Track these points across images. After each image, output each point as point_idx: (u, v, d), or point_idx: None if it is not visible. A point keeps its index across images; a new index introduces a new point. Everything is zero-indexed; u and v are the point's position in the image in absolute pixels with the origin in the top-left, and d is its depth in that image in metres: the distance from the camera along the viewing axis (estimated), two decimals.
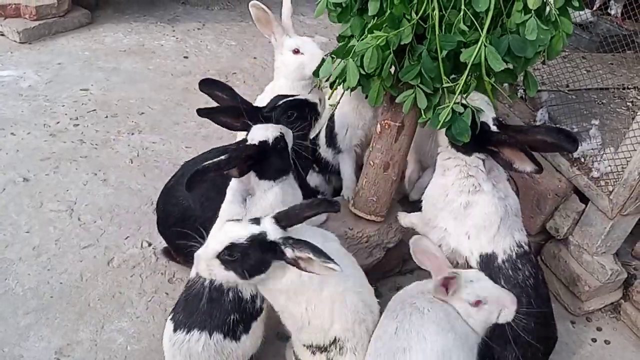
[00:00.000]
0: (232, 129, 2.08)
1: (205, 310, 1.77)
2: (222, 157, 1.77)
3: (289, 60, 2.38)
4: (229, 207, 1.90)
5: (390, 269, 2.50)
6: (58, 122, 3.19)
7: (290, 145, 1.93)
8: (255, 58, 4.15)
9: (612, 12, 3.35)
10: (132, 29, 4.26)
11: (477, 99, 1.86)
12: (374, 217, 2.29)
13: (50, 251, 2.43)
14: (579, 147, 2.41)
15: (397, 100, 1.85)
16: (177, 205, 2.23)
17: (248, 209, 1.89)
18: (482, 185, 1.90)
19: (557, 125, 2.52)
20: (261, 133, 1.87)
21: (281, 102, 2.12)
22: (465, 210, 1.92)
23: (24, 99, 3.34)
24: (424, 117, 1.85)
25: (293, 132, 2.01)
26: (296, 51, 2.37)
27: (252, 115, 2.06)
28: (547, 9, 1.73)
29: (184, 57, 4.02)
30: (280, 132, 1.89)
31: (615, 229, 2.34)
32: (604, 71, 3.04)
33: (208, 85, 2.09)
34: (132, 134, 3.20)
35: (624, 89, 2.90)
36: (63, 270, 2.37)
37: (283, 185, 1.93)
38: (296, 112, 2.11)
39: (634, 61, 3.21)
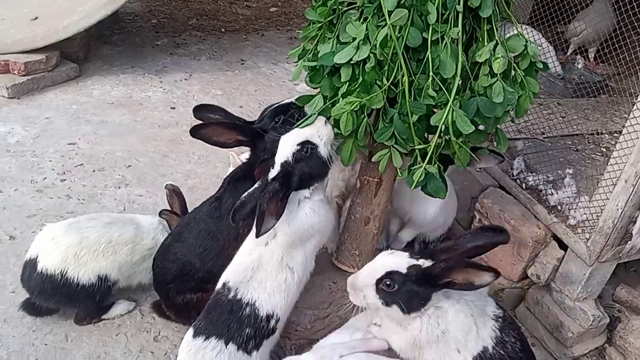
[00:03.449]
0: (226, 147, 2.17)
1: (224, 320, 1.86)
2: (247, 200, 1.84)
3: None
4: None
5: None
6: (45, 178, 3.22)
7: (325, 140, 1.87)
8: (241, 107, 4.23)
9: (580, 66, 3.46)
10: (120, 81, 4.34)
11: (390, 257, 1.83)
12: (357, 271, 2.32)
13: None
14: (556, 195, 2.49)
15: (373, 160, 1.91)
16: (175, 261, 2.25)
17: (278, 230, 1.91)
18: (443, 308, 1.83)
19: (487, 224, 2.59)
20: (282, 151, 1.87)
21: (267, 110, 2.20)
22: (444, 335, 1.84)
23: (12, 155, 3.38)
24: (400, 175, 1.91)
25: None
26: None
27: (244, 130, 2.14)
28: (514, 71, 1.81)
29: (171, 108, 4.09)
30: (301, 141, 1.86)
31: (594, 275, 2.38)
32: (579, 116, 3.13)
33: (200, 111, 2.21)
34: (119, 187, 3.23)
35: (598, 134, 2.98)
36: (48, 330, 2.36)
37: (313, 204, 1.94)
38: (283, 116, 2.16)
39: (607, 105, 3.32)
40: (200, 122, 2.16)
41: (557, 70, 3.36)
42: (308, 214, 1.93)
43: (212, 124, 2.13)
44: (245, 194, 1.84)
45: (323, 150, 1.87)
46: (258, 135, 2.18)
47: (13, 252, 2.70)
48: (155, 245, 2.41)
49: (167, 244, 2.33)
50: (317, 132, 1.85)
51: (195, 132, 2.07)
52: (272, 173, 1.85)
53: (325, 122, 1.89)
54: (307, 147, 1.85)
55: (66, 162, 3.38)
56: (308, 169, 1.87)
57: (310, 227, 1.95)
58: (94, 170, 3.35)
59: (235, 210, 1.81)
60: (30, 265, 2.24)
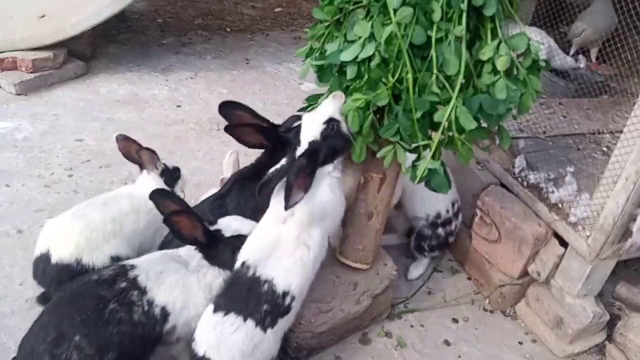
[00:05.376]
0: (248, 146, 2.22)
1: (244, 296, 1.91)
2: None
3: None
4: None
5: (378, 314, 2.55)
6: (52, 173, 3.27)
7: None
8: None
9: (582, 65, 3.49)
10: (126, 79, 4.38)
11: None
12: (361, 265, 2.36)
13: None
14: (557, 193, 2.52)
15: (377, 156, 1.95)
16: None
17: (296, 208, 1.93)
18: None
19: None
20: (309, 131, 1.95)
21: (297, 123, 2.22)
22: None
23: (19, 151, 3.42)
24: (404, 171, 1.95)
25: None
26: None
27: (270, 133, 2.21)
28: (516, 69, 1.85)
29: (177, 106, 4.13)
30: (326, 119, 1.94)
31: (594, 273, 2.41)
32: (580, 116, 3.16)
33: (227, 107, 2.24)
34: (125, 183, 3.26)
35: (599, 133, 3.01)
36: None
37: (331, 181, 2.00)
38: None
39: (609, 105, 3.35)
40: (224, 118, 2.22)
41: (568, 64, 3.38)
42: (325, 190, 2.00)
43: (247, 125, 2.19)
44: (272, 169, 1.94)
45: (344, 126, 1.96)
46: (281, 145, 2.21)
47: (21, 245, 2.74)
48: (151, 209, 2.34)
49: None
50: (338, 109, 1.93)
51: (229, 129, 2.14)
52: (299, 150, 1.95)
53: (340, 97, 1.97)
54: (332, 125, 1.95)
55: (73, 158, 3.42)
56: (334, 144, 1.97)
57: (327, 204, 2.01)
58: (100, 167, 3.39)
59: (262, 185, 1.91)
60: (43, 260, 2.24)
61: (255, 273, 1.94)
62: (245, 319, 1.89)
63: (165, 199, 2.02)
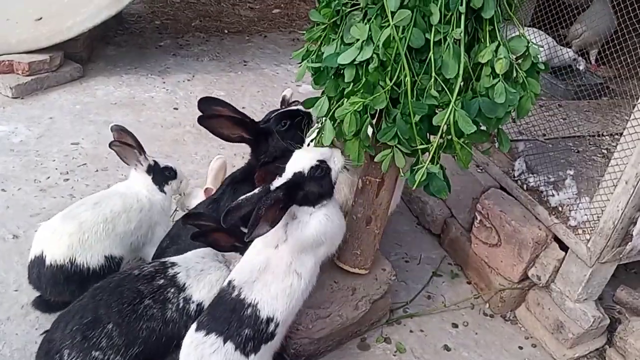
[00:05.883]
0: (229, 141, 2.19)
1: (226, 317, 1.86)
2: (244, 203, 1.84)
3: None
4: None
5: (377, 319, 2.53)
6: (48, 177, 3.24)
7: (337, 167, 1.92)
8: (243, 108, 4.24)
9: (581, 68, 3.48)
10: (123, 82, 4.36)
11: None
12: (359, 270, 2.33)
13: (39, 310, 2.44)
14: (556, 196, 2.50)
15: (375, 160, 1.92)
16: None
17: (289, 234, 1.90)
18: None
19: None
20: (298, 162, 1.88)
21: (275, 113, 2.24)
22: None
23: (15, 154, 3.40)
24: (402, 175, 1.93)
25: (287, 141, 2.08)
26: None
27: (250, 127, 2.17)
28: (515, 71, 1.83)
29: (174, 108, 4.11)
30: (320, 159, 1.89)
31: (594, 277, 2.39)
32: (580, 118, 3.15)
33: (206, 102, 2.21)
34: None
35: (599, 136, 2.99)
36: None
37: (327, 210, 1.93)
38: (289, 120, 2.19)
39: (608, 107, 3.33)
40: (203, 113, 2.17)
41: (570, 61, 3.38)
42: (322, 221, 1.90)
43: (221, 116, 2.15)
44: (243, 197, 1.83)
45: (334, 176, 1.92)
46: (262, 136, 2.20)
47: (16, 250, 2.72)
48: (141, 207, 2.42)
49: (164, 247, 2.34)
50: (333, 156, 1.91)
51: (202, 120, 2.09)
52: (279, 181, 1.86)
53: (341, 152, 1.95)
54: (323, 167, 1.88)
55: (69, 162, 3.39)
56: (318, 188, 1.88)
57: (323, 235, 1.92)
58: (97, 170, 3.36)
59: (229, 211, 1.79)
60: (38, 262, 2.24)
61: (240, 295, 1.87)
62: (224, 341, 1.82)
63: (197, 220, 2.04)
